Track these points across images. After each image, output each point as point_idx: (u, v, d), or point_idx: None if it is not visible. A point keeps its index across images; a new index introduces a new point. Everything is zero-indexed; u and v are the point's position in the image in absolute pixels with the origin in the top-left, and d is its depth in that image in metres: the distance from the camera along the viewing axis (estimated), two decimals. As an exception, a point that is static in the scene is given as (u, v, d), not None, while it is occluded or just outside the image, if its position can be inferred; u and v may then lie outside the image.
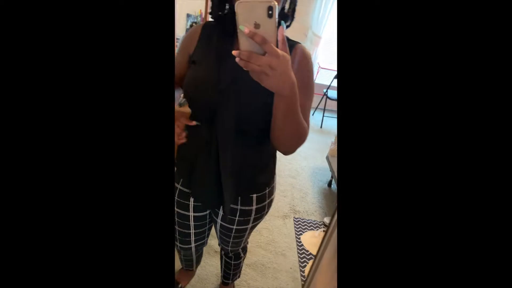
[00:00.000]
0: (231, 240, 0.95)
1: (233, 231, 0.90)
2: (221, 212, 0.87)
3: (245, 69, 0.47)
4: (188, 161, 0.77)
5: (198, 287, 1.37)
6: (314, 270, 0.48)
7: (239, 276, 1.31)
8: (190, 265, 1.28)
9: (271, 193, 0.87)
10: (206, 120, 0.68)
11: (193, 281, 1.39)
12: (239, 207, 0.83)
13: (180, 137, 0.69)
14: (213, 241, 1.58)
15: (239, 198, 0.81)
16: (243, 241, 1.00)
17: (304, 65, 0.67)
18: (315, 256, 0.46)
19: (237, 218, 0.85)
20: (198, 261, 1.28)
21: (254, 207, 0.84)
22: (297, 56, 0.67)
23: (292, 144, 0.66)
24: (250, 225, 0.89)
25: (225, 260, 1.21)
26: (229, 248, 1.02)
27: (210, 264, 1.48)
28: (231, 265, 1.20)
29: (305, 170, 2.51)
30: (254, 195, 0.82)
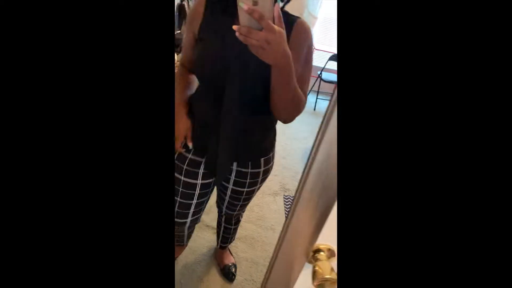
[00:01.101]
0: (240, 203, 1.04)
1: (244, 193, 0.98)
2: (233, 177, 0.94)
3: (243, 43, 0.52)
4: (201, 134, 0.84)
5: (190, 258, 1.44)
6: (293, 209, 0.50)
7: (234, 239, 1.41)
8: (182, 240, 1.33)
9: (273, 157, 0.97)
10: (215, 95, 0.73)
11: (185, 252, 1.45)
12: (249, 170, 0.91)
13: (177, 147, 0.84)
14: (204, 216, 1.64)
15: (249, 162, 0.90)
16: (249, 202, 1.09)
17: (304, 39, 0.71)
18: (294, 197, 0.48)
19: (248, 181, 0.94)
20: (189, 236, 1.33)
21: (262, 169, 0.93)
22: (298, 30, 0.71)
23: (289, 112, 0.72)
24: (258, 186, 0.99)
25: (224, 226, 1.29)
26: (235, 213, 1.11)
27: (202, 238, 1.55)
28: (231, 229, 1.30)
29: (297, 151, 2.55)
30: (262, 159, 0.91)
